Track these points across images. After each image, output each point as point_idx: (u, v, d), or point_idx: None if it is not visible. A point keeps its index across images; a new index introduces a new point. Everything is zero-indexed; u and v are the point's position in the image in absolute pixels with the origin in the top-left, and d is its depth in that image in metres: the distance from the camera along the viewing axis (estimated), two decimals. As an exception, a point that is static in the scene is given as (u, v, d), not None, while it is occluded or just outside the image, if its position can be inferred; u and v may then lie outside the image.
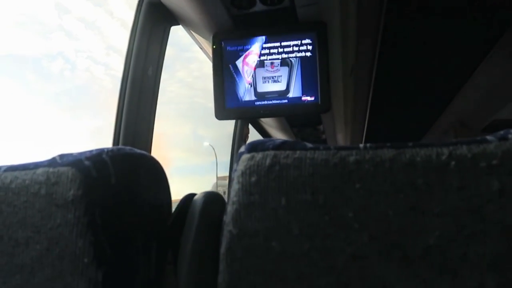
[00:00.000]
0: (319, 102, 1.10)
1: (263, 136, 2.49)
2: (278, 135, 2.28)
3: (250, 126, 2.18)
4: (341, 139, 2.64)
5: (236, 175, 0.40)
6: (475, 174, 0.34)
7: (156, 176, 0.49)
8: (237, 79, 1.15)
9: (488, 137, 0.36)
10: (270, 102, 1.14)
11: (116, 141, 1.15)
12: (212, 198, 0.48)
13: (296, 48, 1.12)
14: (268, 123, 2.08)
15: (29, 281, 0.40)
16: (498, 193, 0.33)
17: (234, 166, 0.41)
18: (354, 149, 0.38)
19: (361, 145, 0.38)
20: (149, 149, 1.23)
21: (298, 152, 0.38)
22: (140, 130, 1.19)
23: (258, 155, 0.39)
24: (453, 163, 0.35)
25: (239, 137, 1.97)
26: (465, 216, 0.34)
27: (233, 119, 1.72)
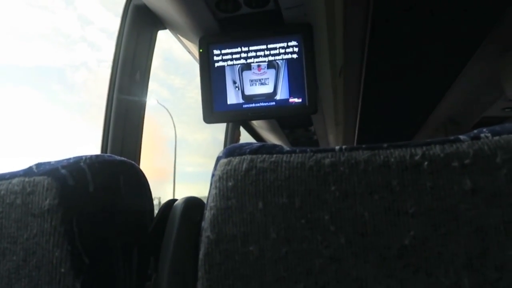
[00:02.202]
0: (307, 104, 1.10)
1: (255, 139, 2.49)
2: (270, 137, 2.29)
3: (243, 130, 2.18)
4: (332, 140, 2.65)
5: (213, 180, 0.40)
6: (447, 173, 0.34)
7: (137, 182, 0.49)
8: (224, 82, 1.15)
9: (461, 136, 0.36)
10: (258, 104, 1.14)
11: (104, 148, 1.14)
12: (192, 203, 0.48)
13: (282, 51, 1.12)
14: (259, 125, 2.08)
15: None
16: (471, 192, 0.33)
17: (212, 171, 0.41)
18: (329, 151, 0.38)
19: (337, 147, 0.38)
20: (138, 155, 1.23)
21: (274, 155, 0.38)
22: (128, 137, 1.19)
23: (235, 160, 0.39)
24: (426, 163, 0.35)
25: (230, 140, 1.97)
26: (439, 216, 0.34)
27: (221, 122, 1.71)
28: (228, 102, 1.15)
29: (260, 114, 1.15)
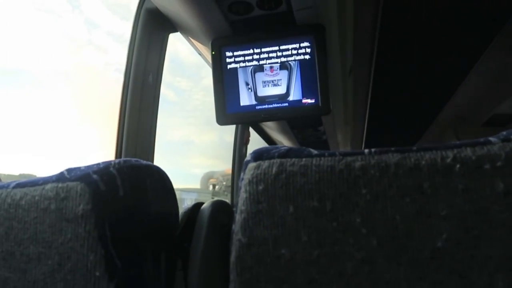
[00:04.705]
0: (320, 104, 1.11)
1: (264, 139, 2.50)
2: (279, 137, 2.29)
3: (251, 130, 2.18)
4: (341, 140, 2.64)
5: (243, 183, 0.40)
6: (479, 176, 0.34)
7: (162, 186, 0.50)
8: (237, 84, 1.16)
9: (491, 138, 0.36)
10: (271, 106, 1.14)
11: (118, 151, 1.15)
12: (219, 206, 0.49)
13: (294, 52, 1.12)
14: (268, 125, 2.08)
15: None
16: (503, 194, 0.34)
17: (241, 175, 0.41)
18: (359, 154, 0.38)
19: (366, 150, 0.38)
20: (151, 157, 1.24)
21: (304, 159, 0.39)
22: (142, 139, 1.20)
23: (265, 164, 0.39)
24: (458, 165, 0.35)
25: (240, 141, 1.98)
26: (471, 218, 0.34)
27: (234, 124, 1.72)
28: (241, 104, 1.16)
29: (273, 115, 1.15)
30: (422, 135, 3.06)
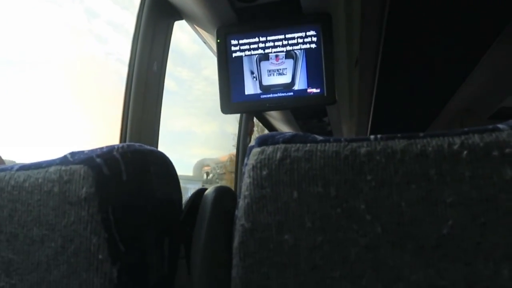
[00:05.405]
0: (325, 94, 1.10)
1: (268, 129, 2.49)
2: (284, 127, 2.28)
3: (255, 120, 2.18)
4: (346, 131, 2.63)
5: (247, 169, 0.40)
6: (487, 163, 0.34)
7: (166, 171, 0.49)
8: (242, 73, 1.15)
9: (500, 126, 0.36)
10: (276, 95, 1.13)
11: (123, 137, 1.15)
12: (223, 192, 0.49)
13: (300, 40, 1.11)
14: (273, 116, 2.08)
15: (45, 278, 0.40)
16: (511, 182, 0.33)
17: (245, 160, 0.41)
18: (365, 140, 0.37)
19: (372, 136, 0.38)
20: (155, 144, 1.24)
21: (308, 145, 0.38)
22: (146, 126, 1.20)
23: (269, 149, 0.39)
24: (465, 152, 0.34)
25: (244, 131, 1.97)
26: (478, 206, 0.34)
27: (239, 113, 1.71)
28: (246, 93, 1.15)
29: (277, 104, 1.15)
30: (427, 128, 3.04)
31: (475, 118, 2.49)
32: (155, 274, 0.45)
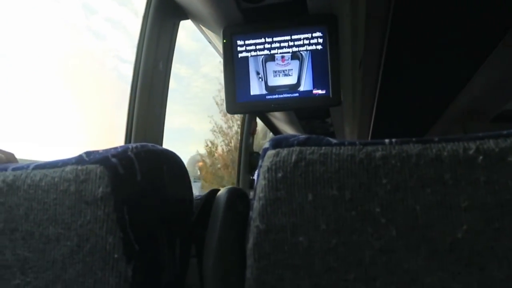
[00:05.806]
0: (330, 96, 1.10)
1: (271, 130, 2.49)
2: (286, 128, 2.29)
3: (257, 120, 2.18)
4: (348, 132, 2.64)
5: (262, 171, 0.40)
6: (502, 168, 0.34)
7: (178, 172, 0.50)
8: (248, 73, 1.15)
9: None
10: (281, 96, 1.14)
11: (128, 136, 1.16)
12: (236, 193, 0.49)
13: (306, 42, 1.12)
14: (276, 116, 2.08)
15: (60, 277, 0.41)
16: None
17: (259, 162, 0.41)
18: (379, 144, 0.38)
19: (387, 140, 0.38)
20: (160, 143, 1.24)
21: (323, 148, 0.39)
22: (151, 125, 1.20)
23: (284, 151, 0.39)
24: (480, 157, 0.35)
25: (247, 131, 1.98)
26: (493, 210, 0.34)
27: (244, 113, 1.72)
28: (251, 93, 1.15)
29: (283, 105, 1.15)
30: (429, 130, 3.05)
31: (477, 121, 2.49)
32: (167, 274, 0.45)
